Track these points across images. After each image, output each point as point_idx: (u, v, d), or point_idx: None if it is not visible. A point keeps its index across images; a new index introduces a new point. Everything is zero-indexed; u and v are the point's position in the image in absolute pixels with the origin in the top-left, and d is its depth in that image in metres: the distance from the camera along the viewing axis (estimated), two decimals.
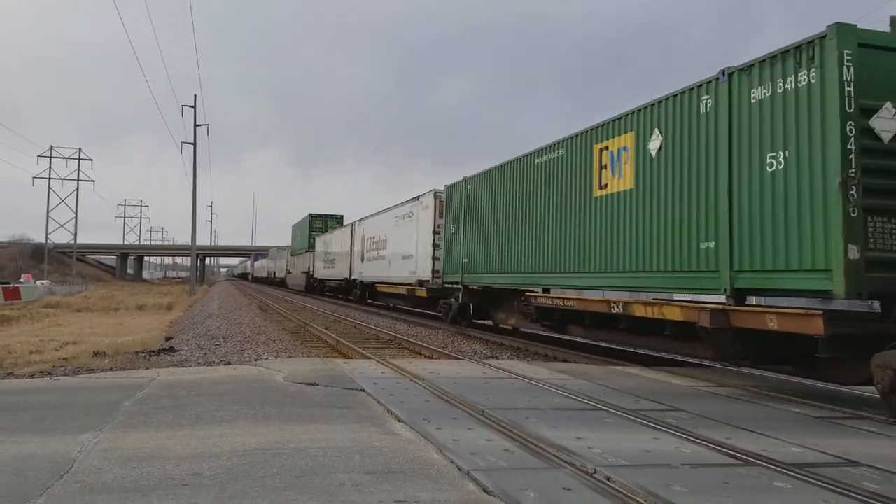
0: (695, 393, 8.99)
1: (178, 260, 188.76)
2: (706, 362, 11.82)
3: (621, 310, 11.34)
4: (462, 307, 19.07)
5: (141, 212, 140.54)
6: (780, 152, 8.22)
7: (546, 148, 14.11)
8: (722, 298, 9.23)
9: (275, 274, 76.46)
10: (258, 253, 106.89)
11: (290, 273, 62.31)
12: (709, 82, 9.45)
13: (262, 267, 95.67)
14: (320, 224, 49.96)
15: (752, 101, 8.66)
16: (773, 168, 8.31)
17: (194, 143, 46.80)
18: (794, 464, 5.29)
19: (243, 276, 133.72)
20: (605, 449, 5.58)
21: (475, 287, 18.46)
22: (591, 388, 8.95)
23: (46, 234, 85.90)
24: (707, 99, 9.46)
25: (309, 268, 49.18)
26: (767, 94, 8.44)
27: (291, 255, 61.15)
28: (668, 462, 5.30)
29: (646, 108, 10.76)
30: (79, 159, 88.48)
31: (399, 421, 6.60)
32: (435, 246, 22.05)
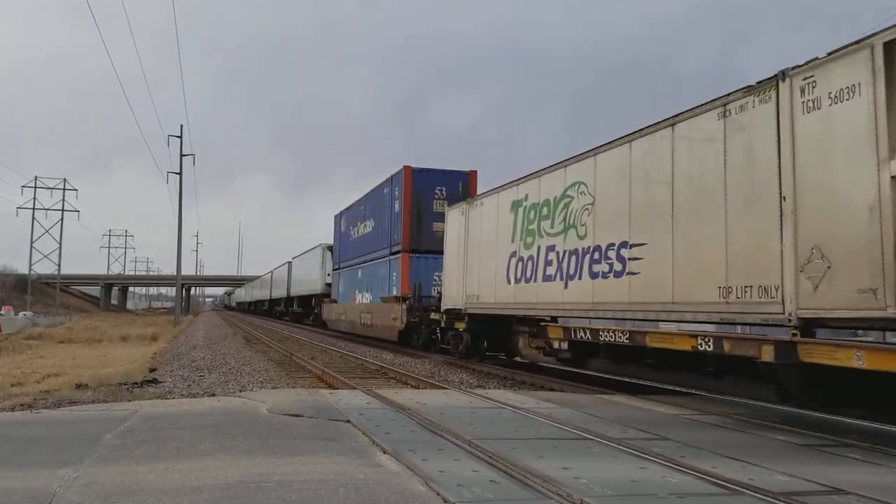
0: (681, 421, 8.99)
1: (164, 290, 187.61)
2: (692, 390, 11.80)
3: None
4: None
5: (126, 242, 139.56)
6: None
7: None
8: None
9: None
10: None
11: None
12: None
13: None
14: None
15: None
16: None
17: (180, 174, 46.84)
18: (780, 492, 5.28)
19: (250, 308, 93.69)
20: (592, 479, 5.55)
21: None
22: (578, 417, 8.93)
23: (30, 265, 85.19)
24: None
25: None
26: None
27: None
28: (654, 492, 5.28)
29: None
30: (63, 189, 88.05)
31: (384, 452, 6.55)
32: None
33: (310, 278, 43.85)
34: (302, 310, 49.12)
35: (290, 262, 54.60)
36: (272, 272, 69.28)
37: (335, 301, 34.49)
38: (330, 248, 38.45)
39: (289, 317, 57.14)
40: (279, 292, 61.49)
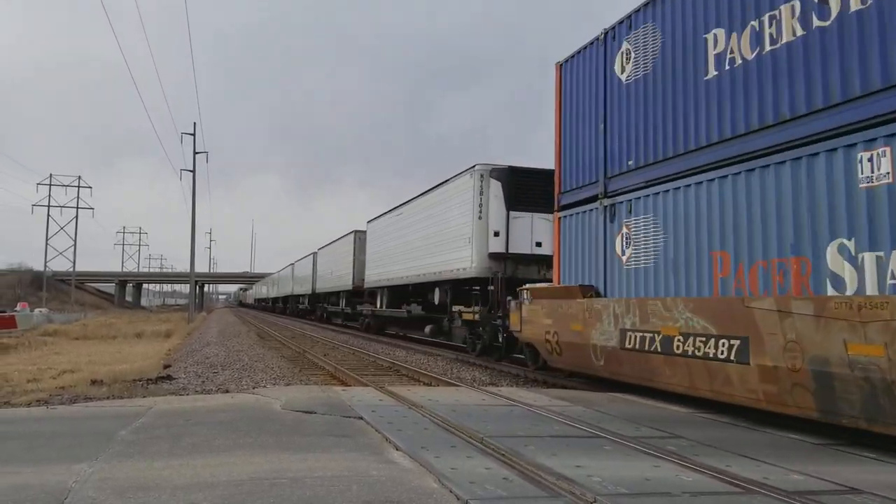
0: (695, 420, 8.95)
1: (177, 287, 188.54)
2: None
3: None
4: None
5: (140, 239, 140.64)
6: None
7: None
8: None
9: None
10: None
11: None
12: None
13: None
14: None
15: None
16: None
17: (193, 171, 46.92)
18: (795, 491, 5.24)
19: (275, 307, 77.99)
20: (605, 477, 5.53)
21: None
22: (591, 414, 8.90)
23: (45, 262, 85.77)
24: None
25: None
26: None
27: None
28: (668, 490, 5.26)
29: None
30: (78, 187, 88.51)
31: (397, 449, 6.56)
32: None
33: (428, 252, 22.05)
34: (390, 311, 27.30)
35: (355, 233, 34.30)
36: (315, 254, 47.50)
37: (600, 295, 11.91)
38: (501, 173, 18.09)
39: (360, 324, 33.97)
40: (328, 284, 41.46)
